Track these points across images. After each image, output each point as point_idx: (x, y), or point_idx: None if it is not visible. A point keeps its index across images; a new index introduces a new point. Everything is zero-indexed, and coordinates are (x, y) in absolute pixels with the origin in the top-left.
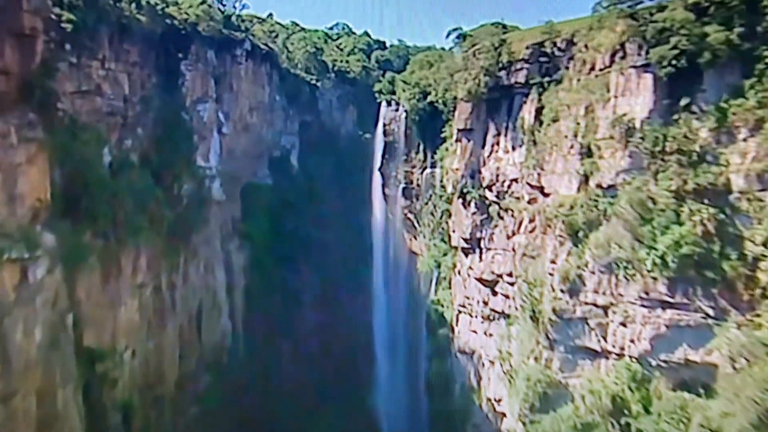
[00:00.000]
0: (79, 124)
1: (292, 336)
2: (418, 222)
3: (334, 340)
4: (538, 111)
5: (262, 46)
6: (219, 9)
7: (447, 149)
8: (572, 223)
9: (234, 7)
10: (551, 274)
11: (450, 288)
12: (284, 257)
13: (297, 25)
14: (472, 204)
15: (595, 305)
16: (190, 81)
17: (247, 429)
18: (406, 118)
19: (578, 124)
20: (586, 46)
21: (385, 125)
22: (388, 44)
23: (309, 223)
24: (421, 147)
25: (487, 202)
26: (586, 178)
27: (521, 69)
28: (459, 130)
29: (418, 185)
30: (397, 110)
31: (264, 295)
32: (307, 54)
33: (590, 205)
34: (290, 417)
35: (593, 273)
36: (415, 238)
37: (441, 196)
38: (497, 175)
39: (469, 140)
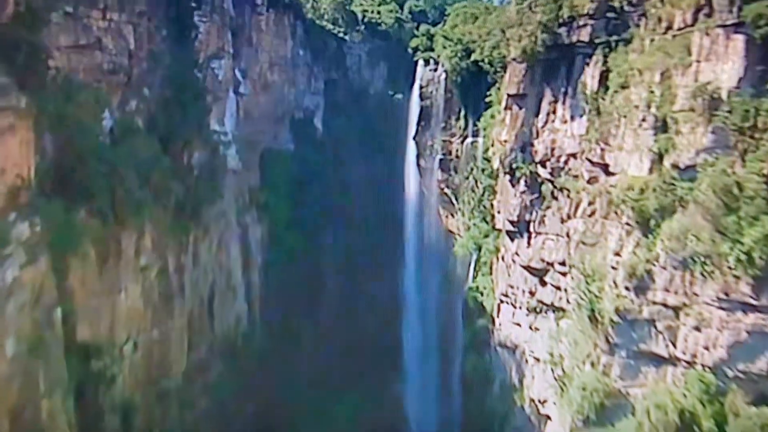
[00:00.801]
0: (75, 84)
1: (314, 316)
2: (456, 198)
3: (359, 322)
4: (603, 75)
5: None
6: None
7: (493, 117)
8: (642, 210)
9: None
10: (614, 268)
11: (491, 274)
12: (306, 229)
13: None
14: (522, 182)
15: (665, 306)
16: (204, 34)
17: (262, 419)
18: (445, 79)
19: (652, 92)
20: (662, 1)
21: (421, 87)
22: None
23: (333, 193)
24: (462, 113)
25: (539, 179)
26: (660, 157)
27: (585, 26)
28: (509, 96)
29: (457, 157)
30: (435, 70)
31: (283, 271)
32: (335, 3)
33: (664, 189)
34: (309, 406)
35: (665, 268)
36: (452, 216)
37: (484, 170)
38: (552, 149)
39: (520, 108)
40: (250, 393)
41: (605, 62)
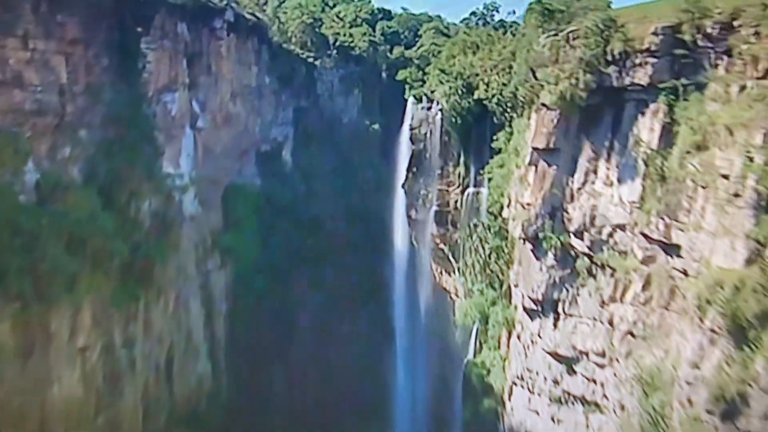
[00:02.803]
0: None
1: (286, 363)
2: (453, 255)
3: (336, 371)
4: (667, 129)
5: (249, 17)
6: None
7: (501, 166)
8: (736, 314)
9: None
10: (690, 383)
11: (499, 348)
12: (276, 272)
13: None
14: (550, 254)
15: None
16: (154, 64)
17: None
18: (442, 120)
19: (750, 158)
20: (757, 34)
21: (412, 129)
22: (393, 13)
23: (305, 231)
24: (462, 160)
25: (572, 252)
26: (761, 246)
27: (643, 64)
28: (536, 150)
29: (456, 209)
30: (429, 109)
31: (251, 318)
32: (303, 25)
33: None
34: None
35: (766, 393)
36: (448, 274)
37: (490, 228)
38: (592, 218)
39: (550, 164)
40: None
41: (670, 112)
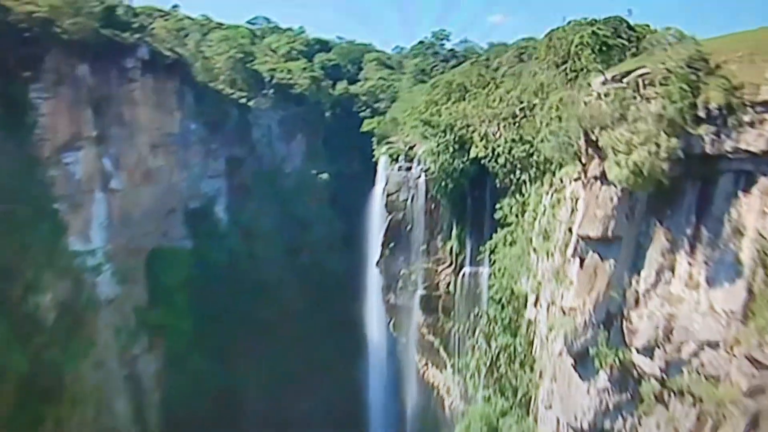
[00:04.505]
0: None
1: None
2: (446, 350)
3: None
4: None
5: (167, 53)
6: None
7: (512, 243)
8: None
9: None
10: None
11: None
12: (215, 348)
13: (211, 20)
14: (602, 375)
15: None
16: (49, 116)
17: None
18: (426, 183)
19: None
20: None
21: (388, 195)
22: (330, 43)
23: (248, 298)
24: (454, 232)
25: (635, 373)
26: None
27: (755, 123)
28: (584, 239)
29: (447, 293)
30: (409, 169)
31: (189, 405)
32: (232, 61)
33: None
34: None
35: None
36: (437, 368)
37: (497, 320)
38: (668, 330)
39: (604, 258)
40: None
41: None
